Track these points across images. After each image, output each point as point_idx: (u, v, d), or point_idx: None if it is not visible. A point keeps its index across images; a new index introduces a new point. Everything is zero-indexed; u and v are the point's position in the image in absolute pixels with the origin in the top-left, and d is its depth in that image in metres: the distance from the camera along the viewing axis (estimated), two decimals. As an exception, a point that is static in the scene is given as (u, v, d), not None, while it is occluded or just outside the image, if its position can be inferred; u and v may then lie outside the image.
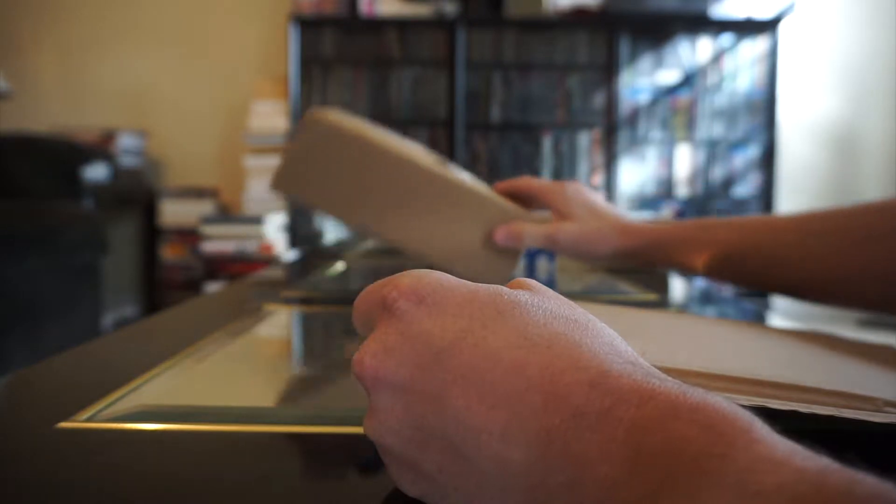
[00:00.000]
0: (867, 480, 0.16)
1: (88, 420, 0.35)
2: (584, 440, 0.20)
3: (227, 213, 3.28)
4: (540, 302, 0.25)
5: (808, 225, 0.57)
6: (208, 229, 3.09)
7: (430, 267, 0.27)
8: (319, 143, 0.68)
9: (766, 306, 3.00)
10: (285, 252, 3.08)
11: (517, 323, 0.23)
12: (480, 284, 0.25)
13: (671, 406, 0.19)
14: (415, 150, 0.74)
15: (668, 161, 3.24)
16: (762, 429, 0.18)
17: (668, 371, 0.22)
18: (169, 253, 3.19)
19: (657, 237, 0.66)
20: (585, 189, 0.70)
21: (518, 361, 0.22)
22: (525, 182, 0.72)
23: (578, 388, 0.21)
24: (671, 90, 3.22)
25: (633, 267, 0.71)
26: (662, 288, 0.88)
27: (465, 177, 0.73)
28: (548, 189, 0.70)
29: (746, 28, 3.17)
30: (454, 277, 0.26)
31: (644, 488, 0.18)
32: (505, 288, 0.26)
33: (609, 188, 3.22)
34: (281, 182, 0.69)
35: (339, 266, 1.08)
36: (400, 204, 0.69)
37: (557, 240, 0.67)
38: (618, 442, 0.19)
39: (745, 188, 3.22)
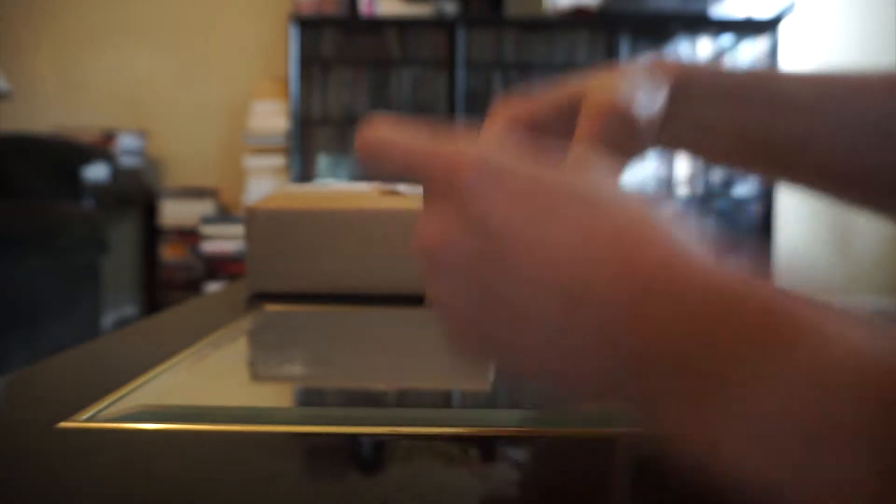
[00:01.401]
0: None
1: (88, 420, 0.35)
2: (651, 318, 0.21)
3: (227, 213, 3.28)
4: (608, 189, 0.25)
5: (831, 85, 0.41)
6: (208, 229, 3.09)
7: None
8: (267, 233, 0.74)
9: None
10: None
11: (585, 202, 0.24)
12: (545, 169, 0.25)
13: (741, 290, 0.20)
14: (359, 191, 0.78)
15: (668, 161, 3.24)
16: (831, 311, 0.19)
17: None
18: (169, 253, 3.19)
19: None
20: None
21: (587, 236, 0.22)
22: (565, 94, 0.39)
23: (649, 266, 0.21)
24: (671, 90, 3.21)
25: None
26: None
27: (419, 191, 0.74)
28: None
29: (746, 28, 3.17)
30: (516, 158, 0.25)
31: (715, 362, 0.19)
32: (570, 174, 0.25)
33: (609, 188, 3.22)
34: (257, 285, 0.73)
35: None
36: (360, 251, 0.72)
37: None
38: (684, 320, 0.20)
39: (745, 188, 3.22)
